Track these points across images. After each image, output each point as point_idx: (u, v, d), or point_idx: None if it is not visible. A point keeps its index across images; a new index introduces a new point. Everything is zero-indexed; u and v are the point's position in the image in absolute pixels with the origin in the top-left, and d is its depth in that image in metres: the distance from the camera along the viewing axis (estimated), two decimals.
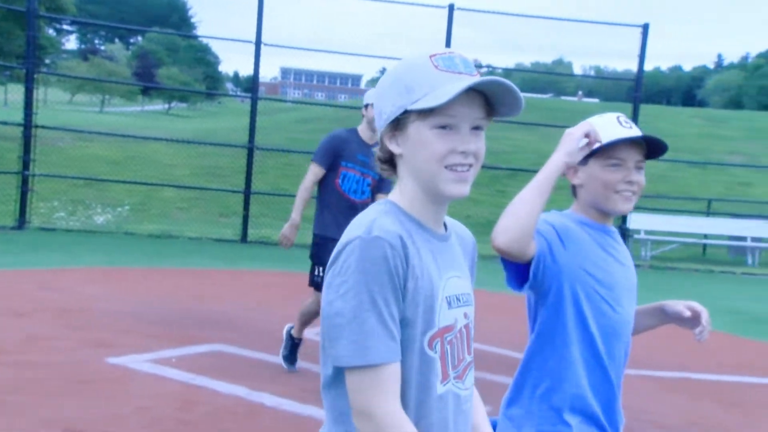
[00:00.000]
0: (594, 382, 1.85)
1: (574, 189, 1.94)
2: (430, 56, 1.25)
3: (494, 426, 1.95)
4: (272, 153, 14.62)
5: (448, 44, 11.03)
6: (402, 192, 1.31)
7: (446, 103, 1.20)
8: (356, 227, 1.25)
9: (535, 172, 1.79)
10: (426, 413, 1.26)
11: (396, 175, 1.33)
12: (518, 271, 1.81)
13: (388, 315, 1.19)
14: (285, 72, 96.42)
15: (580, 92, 61.20)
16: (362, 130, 4.65)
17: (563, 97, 53.99)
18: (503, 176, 17.30)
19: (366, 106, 4.58)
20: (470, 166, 1.27)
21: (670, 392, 4.95)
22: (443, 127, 1.24)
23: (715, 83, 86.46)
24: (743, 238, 13.46)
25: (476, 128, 1.27)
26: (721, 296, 8.93)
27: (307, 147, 17.04)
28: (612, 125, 1.85)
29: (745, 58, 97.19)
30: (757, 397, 5.15)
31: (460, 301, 1.33)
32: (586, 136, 1.72)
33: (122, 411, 3.82)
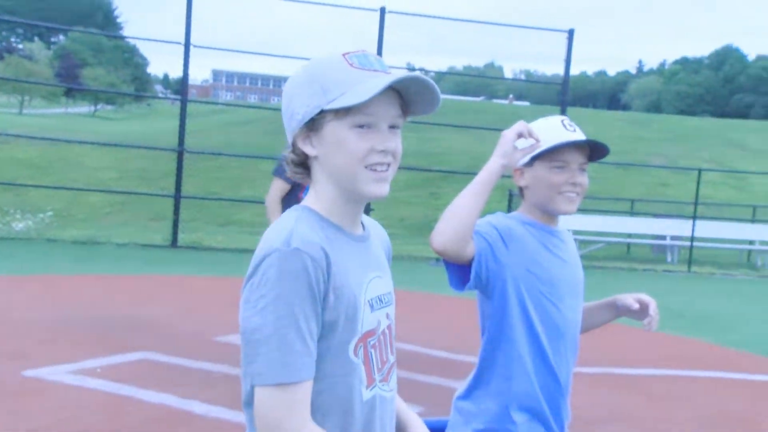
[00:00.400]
0: (540, 380, 1.88)
1: (521, 191, 1.97)
2: (343, 54, 1.22)
3: (445, 425, 1.98)
4: (203, 156, 14.34)
5: (380, 47, 11.07)
6: (319, 196, 1.27)
7: (367, 101, 1.17)
8: (273, 238, 1.19)
9: (468, 174, 1.81)
10: (352, 421, 1.24)
11: (310, 179, 1.29)
12: (460, 272, 1.83)
13: (307, 331, 1.16)
14: (217, 74, 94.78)
15: (511, 95, 62.42)
16: None
17: (495, 100, 55.01)
18: (437, 178, 17.50)
19: None
20: (389, 165, 1.24)
21: (595, 387, 5.10)
22: (361, 126, 1.21)
23: (636, 88, 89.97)
24: (663, 237, 14.02)
25: (393, 127, 1.24)
26: (644, 292, 9.25)
27: (239, 150, 16.86)
28: (557, 128, 1.88)
29: (662, 64, 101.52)
30: (674, 389, 5.36)
31: (382, 302, 1.31)
32: (520, 135, 1.75)
33: (40, 425, 3.65)
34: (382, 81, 1.18)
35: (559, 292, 1.90)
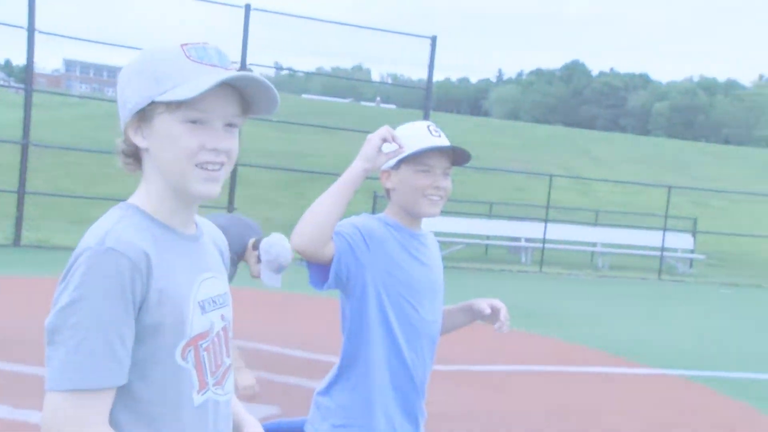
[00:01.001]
0: (396, 379, 1.92)
1: (387, 192, 2.00)
2: (182, 45, 1.18)
3: (303, 424, 1.99)
4: (53, 150, 13.40)
5: (245, 44, 10.87)
6: (148, 191, 1.22)
7: (197, 97, 1.13)
8: (89, 238, 1.13)
9: (335, 175, 1.82)
10: (183, 428, 1.19)
11: (141, 171, 1.24)
12: (320, 271, 1.84)
13: (116, 335, 1.09)
14: (69, 64, 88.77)
15: (378, 98, 63.31)
16: None
17: (362, 102, 55.60)
18: (303, 179, 17.42)
19: None
20: (222, 164, 1.20)
21: (451, 384, 5.28)
22: (194, 122, 1.17)
23: (496, 96, 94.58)
24: (518, 239, 14.81)
25: (230, 125, 1.21)
26: (500, 293, 9.65)
27: (93, 145, 15.87)
28: (422, 133, 1.94)
29: (520, 74, 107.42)
30: (524, 383, 5.69)
31: (216, 303, 1.26)
32: (384, 140, 1.77)
33: None
34: (214, 77, 1.15)
35: (418, 294, 1.95)
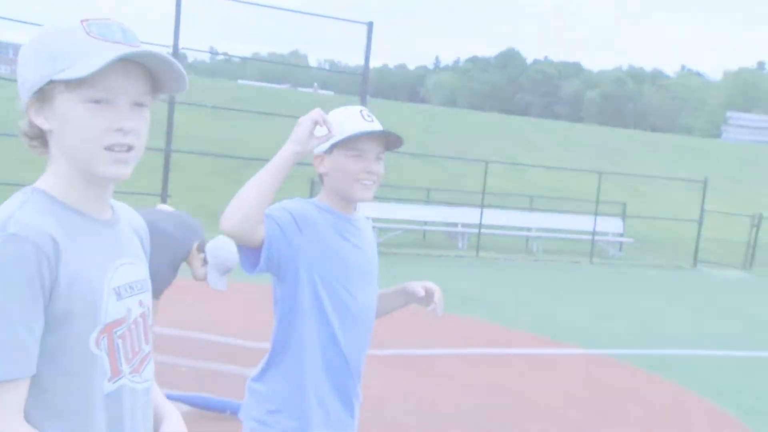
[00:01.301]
0: (331, 362, 1.93)
1: (321, 177, 2.00)
2: (82, 21, 1.12)
3: (238, 408, 2.00)
4: None
5: (177, 28, 10.58)
6: (55, 174, 1.17)
7: (94, 74, 1.08)
8: None
9: (270, 161, 1.80)
10: (92, 417, 1.16)
11: (48, 154, 1.19)
12: (252, 254, 1.83)
13: (22, 324, 1.06)
14: None
15: (315, 84, 62.86)
16: None
17: (299, 89, 55.07)
18: (238, 166, 17.15)
19: None
20: (130, 147, 1.16)
21: (389, 368, 5.34)
22: (97, 102, 1.12)
23: (434, 83, 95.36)
24: (455, 224, 15.01)
25: (138, 105, 1.16)
26: (437, 278, 9.76)
27: (14, 129, 15.18)
28: (355, 118, 1.94)
29: (456, 62, 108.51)
30: (459, 366, 5.79)
31: (133, 289, 1.23)
32: (316, 123, 1.76)
33: None
34: (115, 53, 1.10)
35: (352, 278, 1.96)
